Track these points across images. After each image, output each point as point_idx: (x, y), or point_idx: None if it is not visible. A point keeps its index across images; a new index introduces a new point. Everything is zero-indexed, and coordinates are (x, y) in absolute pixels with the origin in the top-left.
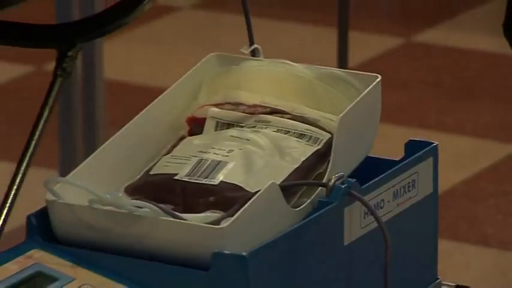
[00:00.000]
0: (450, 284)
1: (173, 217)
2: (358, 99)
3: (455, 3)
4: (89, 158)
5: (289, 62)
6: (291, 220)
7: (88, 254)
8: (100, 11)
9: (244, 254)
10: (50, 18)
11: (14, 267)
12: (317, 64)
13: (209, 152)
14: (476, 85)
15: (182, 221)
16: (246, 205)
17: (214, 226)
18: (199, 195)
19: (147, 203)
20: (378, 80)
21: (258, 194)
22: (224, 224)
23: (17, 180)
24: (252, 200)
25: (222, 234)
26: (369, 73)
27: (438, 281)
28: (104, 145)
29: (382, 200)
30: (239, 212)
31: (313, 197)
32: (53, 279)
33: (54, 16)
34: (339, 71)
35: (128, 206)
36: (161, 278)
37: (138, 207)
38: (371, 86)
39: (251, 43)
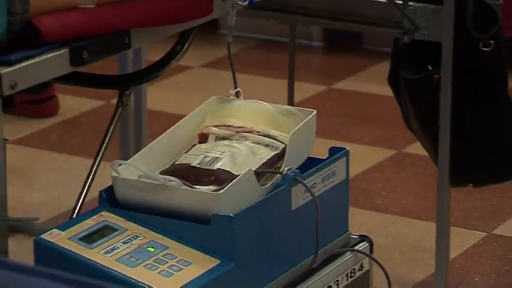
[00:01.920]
0: (355, 233)
1: (188, 187)
2: (302, 123)
3: (364, 60)
4: (137, 154)
5: (260, 101)
6: (260, 194)
7: (136, 214)
8: (144, 67)
9: (231, 215)
10: (115, 71)
11: (90, 222)
12: (275, 102)
13: (210, 152)
14: (371, 114)
15: (194, 189)
16: (233, 181)
17: (213, 192)
18: (205, 176)
19: (172, 177)
20: (314, 113)
21: (240, 175)
22: (219, 192)
23: (93, 171)
24: (236, 178)
25: (218, 198)
26: (308, 109)
27: (348, 232)
28: (147, 146)
29: (315, 182)
30: (229, 185)
31: (273, 180)
32: (114, 230)
33: (118, 70)
34: (290, 107)
35: (162, 179)
36: (180, 229)
37: (167, 180)
38: (310, 116)
39: (235, 87)
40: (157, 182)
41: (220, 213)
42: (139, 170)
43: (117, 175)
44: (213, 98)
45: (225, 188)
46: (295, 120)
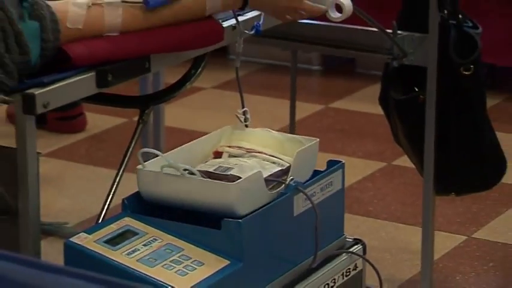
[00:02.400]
0: (350, 237)
1: (204, 179)
2: (307, 145)
3: (358, 83)
4: (157, 158)
5: (270, 129)
6: (266, 196)
7: (155, 220)
8: (162, 89)
9: (240, 220)
10: (136, 92)
11: (114, 227)
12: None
13: (224, 164)
14: (364, 130)
15: (209, 180)
16: (244, 178)
17: (227, 183)
18: (219, 178)
19: (192, 169)
20: (317, 140)
21: (250, 174)
22: (232, 183)
23: (116, 180)
24: (247, 175)
25: (230, 188)
26: (312, 137)
27: (344, 235)
28: (167, 153)
29: (314, 191)
30: (240, 180)
31: (278, 189)
32: (135, 234)
33: (139, 90)
34: (296, 136)
35: (182, 169)
36: (194, 233)
37: (188, 172)
38: (313, 142)
39: (243, 107)
40: (178, 174)
41: (229, 220)
42: (164, 158)
43: (142, 167)
44: (227, 126)
45: (237, 181)
46: (300, 147)
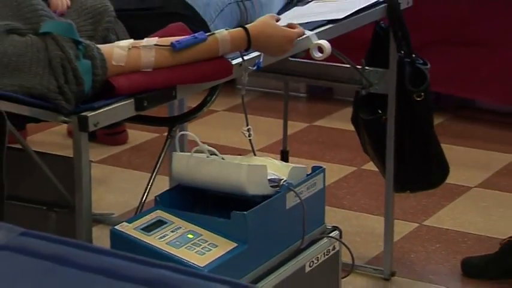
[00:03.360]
0: (329, 225)
1: (223, 160)
2: (299, 166)
3: (335, 106)
4: None
5: (271, 158)
6: (267, 189)
7: (179, 212)
8: (185, 111)
9: (245, 213)
10: (166, 114)
11: (148, 218)
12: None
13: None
14: (340, 143)
15: (228, 161)
16: (252, 165)
17: (240, 163)
18: None
19: (217, 152)
20: (306, 167)
21: (255, 166)
22: (244, 165)
23: (151, 181)
24: (255, 164)
25: (243, 168)
26: (303, 166)
27: (324, 224)
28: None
29: (302, 190)
30: (250, 164)
31: (276, 189)
32: (164, 223)
33: (167, 113)
34: (290, 164)
35: (207, 150)
36: (210, 223)
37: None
38: (303, 166)
39: (247, 125)
40: (202, 157)
41: (237, 212)
42: (197, 140)
43: (176, 152)
44: (238, 157)
45: (247, 165)
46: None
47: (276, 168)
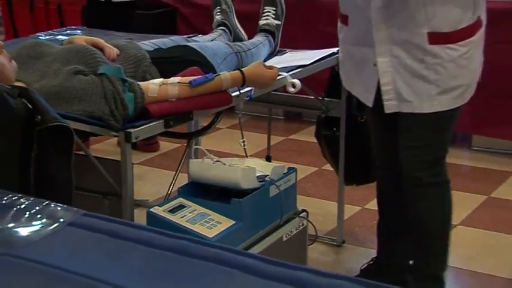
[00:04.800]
0: (299, 208)
1: (223, 165)
2: (278, 165)
3: (303, 125)
4: None
5: (260, 159)
6: (256, 183)
7: (195, 199)
8: (199, 128)
9: (241, 200)
10: (185, 129)
11: (173, 203)
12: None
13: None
14: (306, 150)
15: (227, 166)
16: (246, 168)
17: (237, 167)
18: None
19: (220, 160)
20: (284, 165)
21: (247, 168)
22: (240, 168)
23: (175, 178)
24: (247, 168)
25: (238, 171)
26: (283, 164)
27: (296, 208)
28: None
29: (280, 184)
30: (243, 167)
31: (262, 183)
32: (184, 207)
33: (187, 129)
34: (274, 164)
35: (215, 160)
36: (216, 206)
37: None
38: (282, 165)
39: (242, 138)
40: (210, 163)
41: (236, 199)
42: (206, 152)
43: (193, 159)
44: (235, 159)
45: (242, 168)
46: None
47: (263, 167)
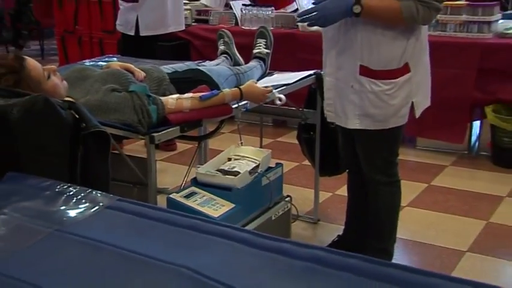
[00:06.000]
0: (284, 194)
1: (222, 175)
2: (266, 154)
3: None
4: (206, 164)
5: (252, 147)
6: (250, 179)
7: (204, 188)
8: (206, 133)
9: (239, 187)
10: (196, 133)
11: (187, 191)
12: (255, 146)
13: (231, 165)
14: (291, 149)
15: (224, 176)
16: (240, 174)
17: (233, 177)
18: (228, 173)
19: (217, 172)
20: (270, 151)
21: (242, 172)
22: (235, 177)
23: (188, 171)
24: (241, 173)
25: (234, 179)
26: (268, 150)
27: (282, 193)
28: (208, 161)
29: (270, 176)
30: (238, 175)
31: (255, 175)
32: (196, 193)
33: (197, 133)
34: (264, 150)
35: (214, 172)
36: (221, 194)
37: (214, 172)
38: (269, 152)
39: (240, 140)
40: (211, 173)
41: (236, 187)
42: (208, 169)
43: (198, 171)
44: (233, 146)
45: (237, 176)
46: (264, 154)
47: (255, 153)
